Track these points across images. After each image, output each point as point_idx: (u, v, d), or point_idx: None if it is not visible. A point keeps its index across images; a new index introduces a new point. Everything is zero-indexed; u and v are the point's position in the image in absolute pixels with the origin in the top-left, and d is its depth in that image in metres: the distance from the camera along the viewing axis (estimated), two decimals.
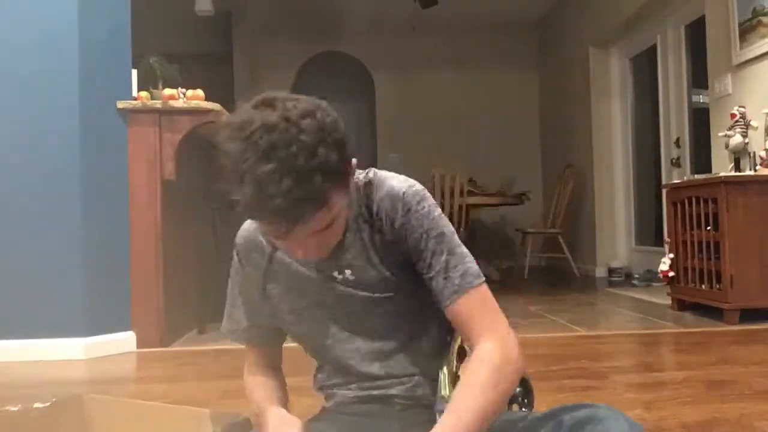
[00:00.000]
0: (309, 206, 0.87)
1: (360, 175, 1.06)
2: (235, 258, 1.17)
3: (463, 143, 7.30)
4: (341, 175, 0.92)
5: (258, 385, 1.21)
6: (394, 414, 1.09)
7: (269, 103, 0.92)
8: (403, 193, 1.01)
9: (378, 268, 1.05)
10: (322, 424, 1.12)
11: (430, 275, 1.00)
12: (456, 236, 1.03)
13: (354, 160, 0.96)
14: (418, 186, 1.04)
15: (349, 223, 1.03)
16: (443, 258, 1.00)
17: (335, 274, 1.06)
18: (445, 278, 0.99)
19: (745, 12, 3.87)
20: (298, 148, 0.85)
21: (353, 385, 1.11)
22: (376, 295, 1.06)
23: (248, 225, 1.16)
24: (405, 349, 1.09)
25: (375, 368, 1.09)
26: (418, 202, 1.01)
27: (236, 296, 1.19)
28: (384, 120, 7.63)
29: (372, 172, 1.06)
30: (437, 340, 1.10)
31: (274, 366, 1.25)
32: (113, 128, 3.05)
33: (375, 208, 1.03)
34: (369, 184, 1.04)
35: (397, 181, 1.03)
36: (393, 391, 1.09)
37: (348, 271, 1.06)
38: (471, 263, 1.01)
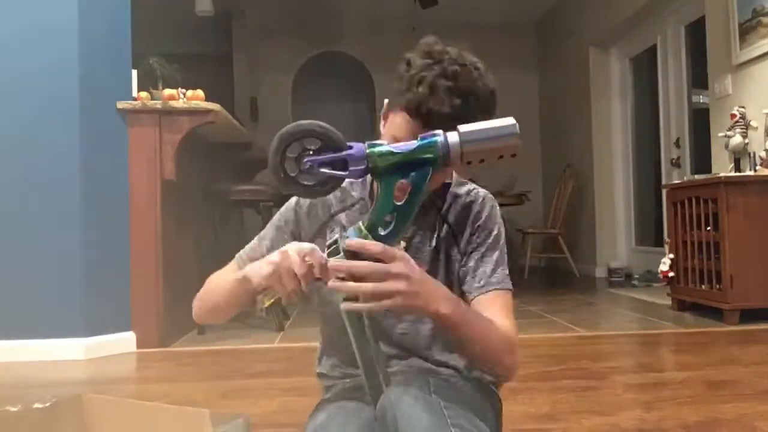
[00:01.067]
0: (470, 113, 0.97)
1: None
2: (294, 205, 1.17)
3: None
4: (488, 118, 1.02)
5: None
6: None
7: (456, 49, 1.04)
8: (482, 200, 1.17)
9: (431, 253, 1.11)
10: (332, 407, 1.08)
11: (480, 263, 1.11)
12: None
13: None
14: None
15: (431, 201, 1.12)
16: (496, 259, 1.12)
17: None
18: (495, 272, 1.11)
19: (745, 12, 3.87)
20: (477, 85, 1.01)
21: (355, 379, 1.11)
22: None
23: None
24: (422, 347, 1.12)
25: (391, 366, 1.09)
26: (492, 212, 1.17)
27: (271, 234, 1.17)
28: None
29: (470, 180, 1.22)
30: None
31: None
32: (113, 128, 3.05)
33: (462, 204, 1.15)
34: (465, 182, 1.19)
35: (486, 192, 1.20)
36: (394, 369, 1.11)
37: (402, 243, 1.07)
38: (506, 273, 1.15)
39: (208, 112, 3.13)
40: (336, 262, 0.87)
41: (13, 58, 2.93)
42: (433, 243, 1.12)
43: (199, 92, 3.27)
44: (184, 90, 3.24)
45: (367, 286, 0.86)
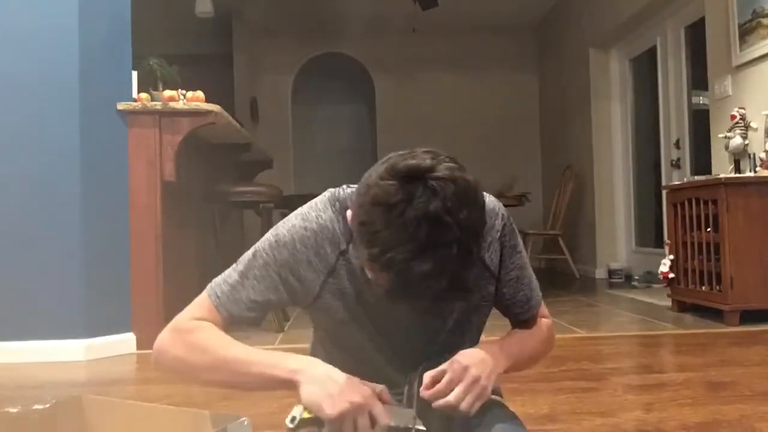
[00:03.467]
0: (452, 298, 0.98)
1: None
2: (294, 243, 1.00)
3: (463, 145, 7.29)
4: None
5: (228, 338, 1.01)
6: None
7: (423, 180, 0.81)
8: (497, 209, 1.05)
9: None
10: None
11: (516, 287, 1.10)
12: None
13: None
14: None
15: None
16: (527, 273, 1.11)
17: None
18: (531, 290, 1.12)
19: (744, 13, 3.88)
20: (457, 249, 0.81)
21: None
22: (431, 316, 1.07)
23: (328, 213, 1.01)
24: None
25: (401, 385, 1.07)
26: (507, 218, 1.07)
27: (263, 275, 1.01)
28: (384, 121, 7.63)
29: None
30: None
31: None
32: (113, 130, 3.05)
33: None
34: None
35: (486, 197, 1.01)
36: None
37: None
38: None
39: (208, 113, 3.13)
40: (439, 403, 0.94)
41: (13, 58, 2.93)
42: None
43: (199, 93, 3.27)
44: (184, 91, 3.24)
45: (464, 398, 0.93)
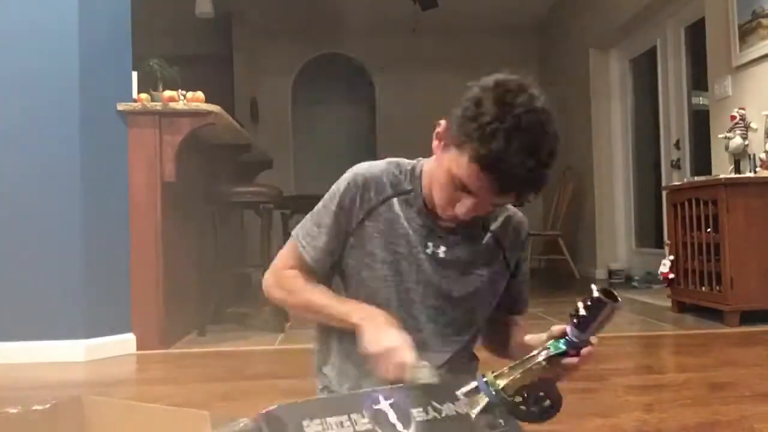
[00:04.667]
0: (533, 190, 1.06)
1: None
2: (346, 187, 1.18)
3: None
4: None
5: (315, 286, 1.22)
6: None
7: (530, 88, 1.03)
8: (526, 221, 1.32)
9: (473, 262, 1.20)
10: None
11: (524, 287, 1.36)
12: None
13: None
14: None
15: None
16: (527, 279, 1.36)
17: (429, 244, 1.17)
18: (527, 293, 1.37)
19: (744, 14, 3.88)
20: (546, 140, 1.01)
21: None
22: (447, 286, 1.18)
23: (370, 166, 1.20)
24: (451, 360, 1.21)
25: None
26: (528, 233, 1.33)
27: (327, 221, 1.19)
28: (384, 122, 7.63)
29: None
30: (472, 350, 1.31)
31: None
32: (113, 130, 3.05)
33: (501, 220, 1.25)
34: None
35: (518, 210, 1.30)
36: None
37: (443, 248, 1.17)
38: None
39: (208, 113, 3.13)
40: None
41: (13, 59, 2.93)
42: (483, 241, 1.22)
43: (200, 94, 3.27)
44: (184, 91, 3.24)
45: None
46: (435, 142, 1.12)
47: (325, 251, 1.20)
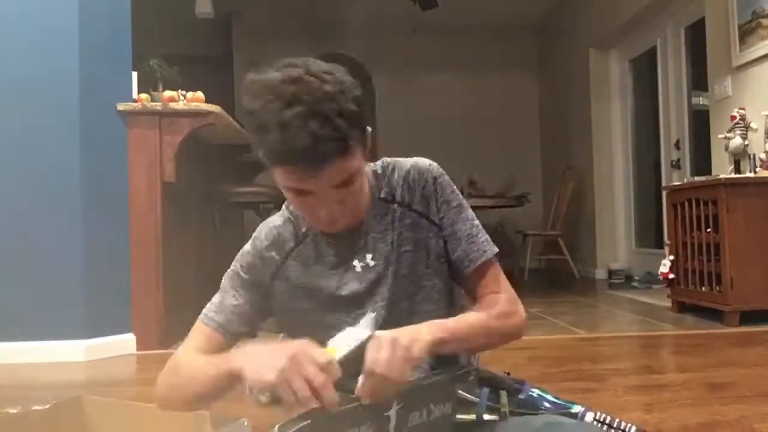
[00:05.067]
0: (332, 146, 0.92)
1: (372, 164, 1.13)
2: (253, 250, 1.15)
3: (463, 145, 7.30)
4: (360, 127, 0.97)
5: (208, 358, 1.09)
6: None
7: (291, 64, 0.98)
8: (429, 164, 1.14)
9: (401, 251, 1.10)
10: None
11: (457, 238, 1.12)
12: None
13: (369, 129, 1.02)
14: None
15: (373, 205, 1.11)
16: (468, 225, 1.13)
17: (355, 262, 1.09)
18: (470, 243, 1.12)
19: (744, 14, 3.88)
20: (321, 95, 0.91)
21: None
22: (392, 291, 1.09)
23: (275, 221, 1.16)
24: None
25: None
26: (441, 174, 1.14)
27: (234, 284, 1.15)
28: (384, 122, 7.63)
29: (384, 160, 1.16)
30: None
31: None
32: (113, 130, 3.05)
33: (401, 182, 1.12)
34: (387, 167, 1.14)
35: (418, 158, 1.14)
36: None
37: (369, 256, 1.10)
38: (487, 236, 1.16)
39: (208, 113, 3.13)
40: (360, 391, 0.88)
41: (13, 60, 2.93)
42: (397, 254, 1.10)
43: (200, 94, 3.27)
44: (184, 92, 3.24)
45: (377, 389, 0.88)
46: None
47: (236, 313, 1.12)
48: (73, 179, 2.92)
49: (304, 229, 1.13)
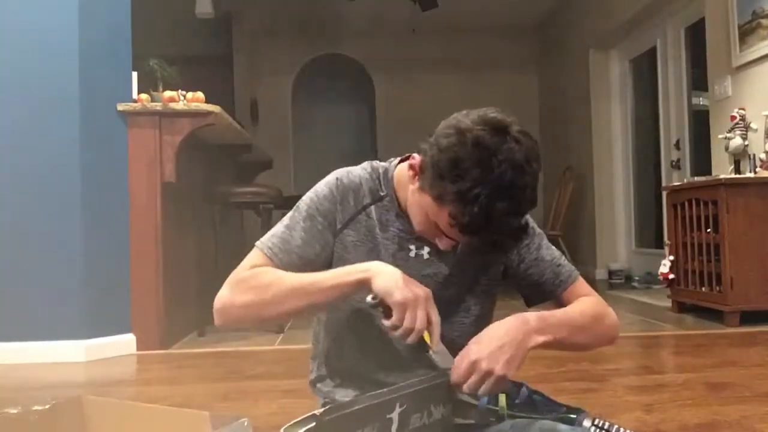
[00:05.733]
0: (516, 242, 1.06)
1: None
2: (329, 193, 1.13)
3: None
4: None
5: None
6: None
7: (508, 131, 0.97)
8: None
9: (461, 259, 1.12)
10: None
11: (544, 262, 1.16)
12: None
13: None
14: None
15: None
16: (551, 250, 1.18)
17: (411, 246, 1.12)
18: (558, 266, 1.17)
19: (744, 14, 3.88)
20: (528, 192, 0.96)
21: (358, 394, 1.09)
22: (441, 287, 1.10)
23: (348, 173, 1.16)
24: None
25: (397, 379, 1.06)
26: None
27: (304, 226, 1.11)
28: (384, 122, 7.63)
29: None
30: None
31: None
32: (113, 130, 3.05)
33: None
34: None
35: None
36: None
37: (426, 249, 1.12)
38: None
39: (208, 114, 3.13)
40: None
41: (13, 59, 2.93)
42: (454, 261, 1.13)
43: (200, 94, 3.27)
44: (184, 92, 3.24)
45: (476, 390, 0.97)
46: (410, 172, 1.05)
47: (300, 256, 1.09)
48: (73, 180, 2.92)
49: (383, 193, 1.14)
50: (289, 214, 1.14)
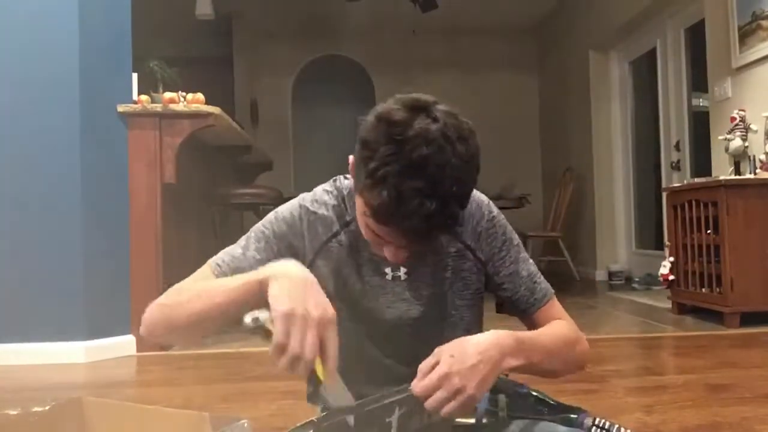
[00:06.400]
0: (441, 232, 0.93)
1: None
2: (290, 218, 1.05)
3: None
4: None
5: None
6: None
7: (426, 109, 0.89)
8: (487, 201, 1.10)
9: (439, 275, 1.05)
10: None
11: (519, 277, 1.09)
12: None
13: None
14: None
15: None
16: (527, 264, 1.10)
17: (387, 269, 1.04)
18: (534, 282, 1.10)
19: (744, 15, 3.88)
20: (448, 172, 0.85)
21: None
22: (423, 308, 1.05)
23: (315, 199, 1.07)
24: None
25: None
26: (498, 212, 1.11)
27: (260, 246, 1.05)
28: None
29: None
30: None
31: None
32: (114, 132, 3.05)
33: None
34: None
35: (476, 191, 1.04)
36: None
37: (403, 269, 1.04)
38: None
39: (208, 115, 3.13)
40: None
41: (14, 62, 2.93)
42: (431, 278, 1.06)
43: (200, 95, 3.27)
44: (184, 93, 3.24)
45: (442, 406, 0.86)
46: (351, 175, 0.97)
47: (252, 267, 0.98)
48: (74, 181, 2.92)
49: (349, 217, 1.05)
50: (246, 234, 1.09)
